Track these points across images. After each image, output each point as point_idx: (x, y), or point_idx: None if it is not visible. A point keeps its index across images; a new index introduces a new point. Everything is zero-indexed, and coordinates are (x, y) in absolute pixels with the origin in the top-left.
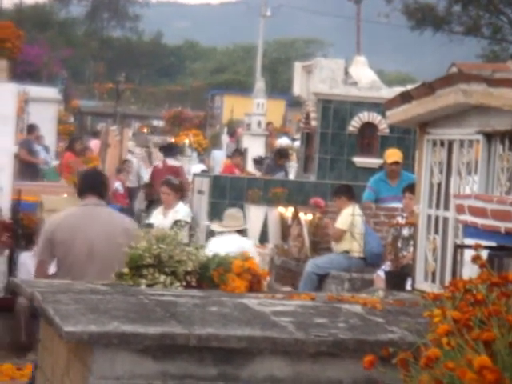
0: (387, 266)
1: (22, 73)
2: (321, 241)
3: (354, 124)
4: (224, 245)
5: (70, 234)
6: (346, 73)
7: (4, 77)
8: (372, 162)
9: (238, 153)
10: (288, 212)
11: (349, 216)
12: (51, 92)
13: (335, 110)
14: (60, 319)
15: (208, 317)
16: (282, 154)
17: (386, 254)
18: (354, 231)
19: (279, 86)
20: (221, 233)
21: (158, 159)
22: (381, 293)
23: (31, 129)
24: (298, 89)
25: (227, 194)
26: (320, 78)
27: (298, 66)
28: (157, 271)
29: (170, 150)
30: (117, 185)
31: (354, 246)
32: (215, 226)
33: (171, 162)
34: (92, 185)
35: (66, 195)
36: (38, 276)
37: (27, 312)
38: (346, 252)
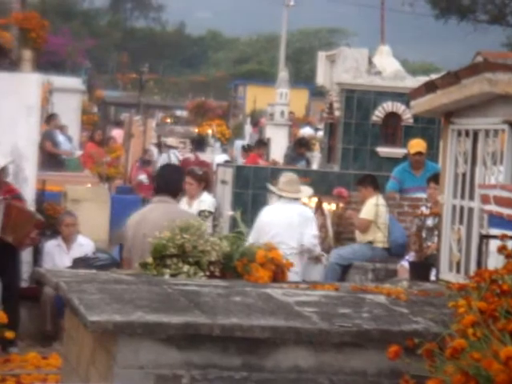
0: (411, 256)
1: (47, 63)
2: (344, 231)
3: (378, 114)
4: (286, 213)
5: (133, 231)
6: (370, 62)
7: (28, 67)
8: (396, 152)
9: (261, 143)
10: (311, 202)
11: (374, 206)
12: (75, 82)
13: (359, 100)
14: (85, 309)
15: (232, 307)
16: (301, 144)
17: (410, 244)
18: (379, 221)
19: (302, 76)
20: (279, 198)
21: (188, 151)
22: (405, 283)
23: (50, 118)
24: (321, 78)
25: (250, 183)
26: (344, 67)
27: (321, 56)
28: (180, 261)
29: (201, 143)
30: (142, 177)
31: (378, 237)
32: (276, 190)
33: (203, 156)
34: (164, 183)
35: (89, 185)
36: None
37: (53, 301)
38: (370, 242)
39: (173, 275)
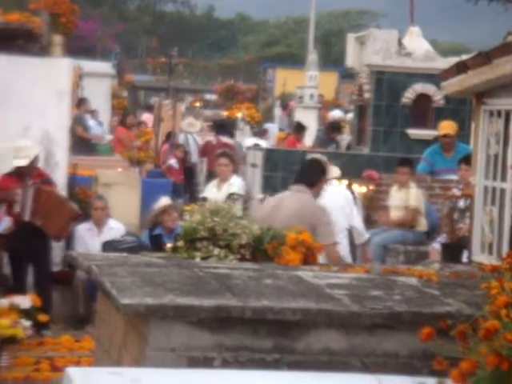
0: (443, 238)
1: (77, 48)
2: (374, 213)
3: (408, 95)
4: (334, 195)
5: (264, 215)
6: (400, 43)
7: (59, 52)
8: (426, 133)
9: (301, 128)
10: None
11: (417, 190)
12: (105, 67)
13: (389, 82)
14: (117, 292)
15: (263, 289)
16: (334, 128)
17: (442, 226)
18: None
19: (332, 59)
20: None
21: (210, 134)
22: (437, 265)
23: (81, 102)
24: (350, 61)
25: (280, 167)
26: (373, 49)
27: (350, 38)
28: (211, 244)
29: (223, 126)
30: (172, 162)
31: (421, 221)
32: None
33: (225, 139)
34: (302, 173)
35: (120, 169)
36: None
37: (85, 285)
38: (412, 227)
39: (203, 258)
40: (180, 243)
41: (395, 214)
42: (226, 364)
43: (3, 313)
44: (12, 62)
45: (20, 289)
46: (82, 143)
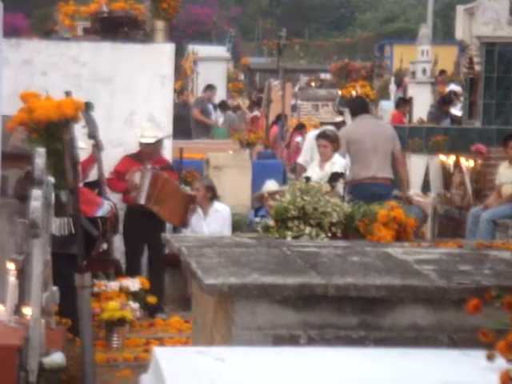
0: None
1: (193, 33)
2: (483, 188)
3: None
4: None
5: None
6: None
7: (162, 37)
8: None
9: (404, 101)
10: (450, 160)
11: None
12: (219, 51)
13: (500, 53)
14: (202, 272)
15: (348, 267)
16: (445, 101)
17: None
18: None
19: (451, 32)
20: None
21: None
22: None
23: (206, 88)
24: (460, 33)
25: None
26: (483, 20)
27: (459, 9)
28: (302, 223)
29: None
30: (299, 139)
31: None
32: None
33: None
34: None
35: (231, 152)
36: None
37: None
38: None
39: (295, 237)
40: (271, 223)
41: (507, 191)
42: (311, 342)
43: (113, 295)
44: (117, 49)
45: (135, 271)
46: (198, 126)
